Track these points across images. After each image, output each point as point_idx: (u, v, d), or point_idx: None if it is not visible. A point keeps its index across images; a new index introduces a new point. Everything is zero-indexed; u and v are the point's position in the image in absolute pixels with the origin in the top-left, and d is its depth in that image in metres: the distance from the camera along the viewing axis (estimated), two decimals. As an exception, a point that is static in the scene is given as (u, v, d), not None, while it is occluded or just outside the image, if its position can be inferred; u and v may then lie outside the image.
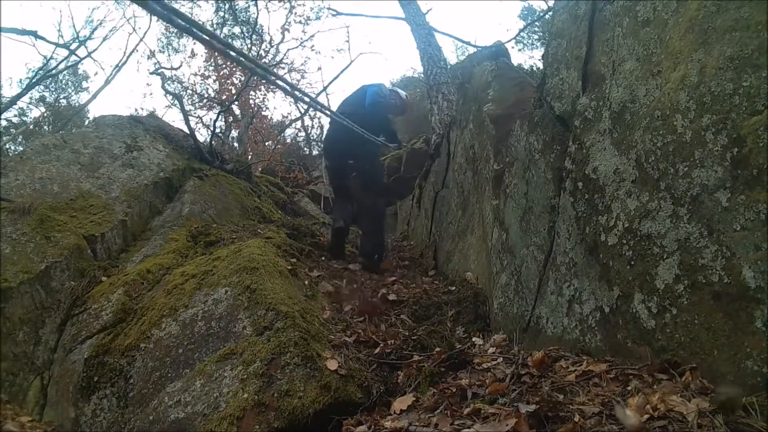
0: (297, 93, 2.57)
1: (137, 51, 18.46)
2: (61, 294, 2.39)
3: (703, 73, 1.23)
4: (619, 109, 1.50)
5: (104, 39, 14.65)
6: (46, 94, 13.92)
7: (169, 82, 11.87)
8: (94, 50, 23.43)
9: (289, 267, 2.46)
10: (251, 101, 11.83)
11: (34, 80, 10.72)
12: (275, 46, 11.60)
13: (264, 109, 13.04)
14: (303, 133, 12.69)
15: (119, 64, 12.29)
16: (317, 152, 10.77)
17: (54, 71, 11.19)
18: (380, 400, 1.62)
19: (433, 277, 3.05)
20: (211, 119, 11.35)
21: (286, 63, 12.01)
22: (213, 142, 4.60)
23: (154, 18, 12.53)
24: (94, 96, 15.37)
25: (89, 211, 2.88)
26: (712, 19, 1.24)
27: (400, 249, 4.01)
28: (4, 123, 12.37)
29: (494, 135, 2.44)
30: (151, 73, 17.03)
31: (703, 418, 0.99)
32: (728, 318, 1.08)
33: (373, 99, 3.64)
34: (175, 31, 12.77)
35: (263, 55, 10.94)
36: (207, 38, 1.41)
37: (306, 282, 2.46)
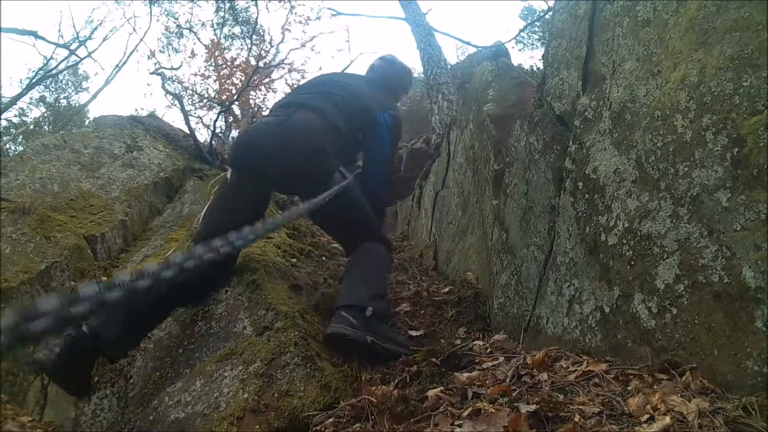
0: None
1: (137, 51, 18.53)
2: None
3: (703, 73, 1.23)
4: (619, 109, 1.50)
5: (104, 39, 14.70)
6: (46, 94, 13.96)
7: (169, 82, 11.88)
8: (94, 50, 23.45)
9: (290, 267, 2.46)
10: (251, 101, 11.84)
11: (34, 80, 10.74)
12: (275, 46, 11.64)
13: (264, 109, 13.06)
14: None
15: (119, 64, 12.32)
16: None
17: (54, 71, 11.21)
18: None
19: (433, 277, 3.05)
20: (211, 119, 11.35)
21: (287, 64, 12.04)
22: (213, 142, 4.59)
23: (155, 18, 12.58)
24: (94, 96, 15.43)
25: (89, 211, 2.87)
26: (712, 19, 1.24)
27: (400, 249, 4.01)
28: (4, 123, 12.39)
29: (494, 135, 2.44)
30: (151, 73, 17.05)
31: (703, 418, 0.99)
32: (728, 318, 1.08)
33: (394, 64, 2.38)
34: (175, 31, 12.82)
35: (263, 55, 10.95)
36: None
37: (306, 282, 2.46)
